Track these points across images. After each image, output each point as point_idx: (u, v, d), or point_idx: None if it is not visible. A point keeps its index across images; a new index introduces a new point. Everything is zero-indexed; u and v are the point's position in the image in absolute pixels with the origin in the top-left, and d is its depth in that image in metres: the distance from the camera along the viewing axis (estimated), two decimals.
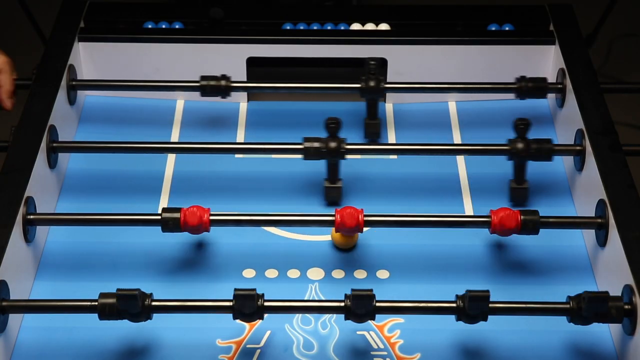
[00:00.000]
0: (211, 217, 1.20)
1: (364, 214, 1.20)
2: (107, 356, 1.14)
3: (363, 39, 1.48)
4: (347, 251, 1.26)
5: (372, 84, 1.39)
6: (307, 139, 1.30)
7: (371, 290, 1.10)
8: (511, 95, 1.44)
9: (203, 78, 1.40)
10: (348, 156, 1.31)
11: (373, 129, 1.42)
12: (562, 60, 1.44)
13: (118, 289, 1.09)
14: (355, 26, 1.52)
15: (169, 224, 1.19)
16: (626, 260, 1.14)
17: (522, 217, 1.20)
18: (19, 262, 1.19)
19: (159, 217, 1.20)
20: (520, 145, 1.30)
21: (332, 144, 1.30)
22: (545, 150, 1.30)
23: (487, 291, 1.09)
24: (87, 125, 1.46)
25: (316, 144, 1.30)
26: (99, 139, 1.40)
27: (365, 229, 1.20)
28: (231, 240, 1.27)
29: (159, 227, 1.23)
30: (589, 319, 1.11)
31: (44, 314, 1.16)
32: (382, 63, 1.44)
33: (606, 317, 1.10)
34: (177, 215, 1.19)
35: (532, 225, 1.20)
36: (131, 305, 1.09)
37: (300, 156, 1.31)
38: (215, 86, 1.40)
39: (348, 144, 1.30)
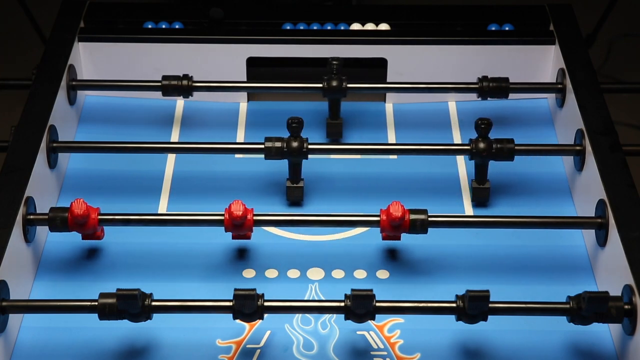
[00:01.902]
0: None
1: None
2: (107, 356, 1.14)
3: (363, 39, 1.48)
4: None
5: (334, 83, 1.38)
6: (268, 139, 1.30)
7: (371, 290, 1.10)
8: (511, 95, 1.44)
9: (165, 78, 1.40)
10: (345, 156, 1.31)
11: (335, 128, 1.42)
12: (562, 60, 1.44)
13: (118, 289, 1.09)
14: (355, 26, 1.52)
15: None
16: (626, 260, 1.14)
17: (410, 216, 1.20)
18: (19, 262, 1.19)
19: (159, 217, 1.21)
20: (482, 145, 1.30)
21: (294, 144, 1.30)
22: (507, 150, 1.29)
23: (487, 291, 1.09)
24: (87, 125, 1.46)
25: (278, 144, 1.30)
26: (99, 139, 1.40)
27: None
28: (231, 240, 1.27)
29: (159, 227, 1.23)
30: (589, 319, 1.11)
31: (44, 314, 1.16)
32: (345, 63, 1.44)
33: (606, 317, 1.10)
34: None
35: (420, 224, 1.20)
36: (131, 305, 1.09)
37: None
38: (176, 86, 1.40)
39: (342, 143, 1.30)
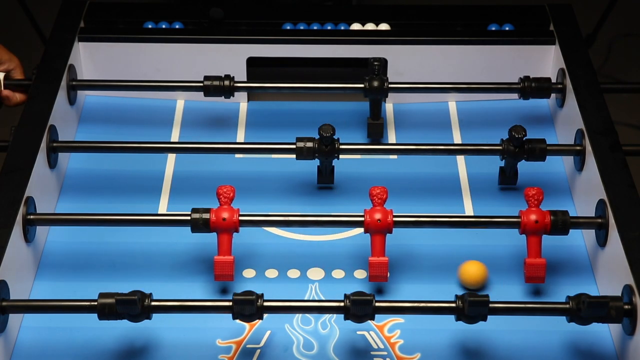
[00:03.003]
0: (241, 218, 1.20)
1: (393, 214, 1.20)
2: (106, 356, 1.14)
3: (363, 39, 1.48)
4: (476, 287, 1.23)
5: (375, 84, 1.39)
6: (299, 139, 1.30)
7: (372, 294, 1.10)
8: (511, 95, 1.44)
9: (207, 78, 1.40)
10: (344, 156, 1.31)
11: (376, 129, 1.42)
12: (562, 60, 1.44)
13: (116, 295, 1.09)
14: (355, 26, 1.52)
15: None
16: (626, 260, 1.14)
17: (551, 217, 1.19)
18: (19, 262, 1.19)
19: (160, 217, 1.21)
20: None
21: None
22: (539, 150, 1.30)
23: (487, 296, 1.09)
24: (87, 125, 1.46)
25: (309, 144, 1.30)
26: (99, 139, 1.40)
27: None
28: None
29: (159, 227, 1.23)
30: (589, 319, 1.11)
31: (44, 314, 1.16)
32: (385, 63, 1.44)
33: (606, 318, 1.10)
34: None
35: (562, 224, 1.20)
36: (130, 309, 1.09)
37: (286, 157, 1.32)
38: (218, 86, 1.40)
39: (343, 143, 1.30)
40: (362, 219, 1.20)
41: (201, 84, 1.40)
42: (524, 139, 1.29)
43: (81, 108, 1.48)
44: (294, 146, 1.31)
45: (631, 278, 1.12)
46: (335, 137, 1.30)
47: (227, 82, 1.39)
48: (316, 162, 1.33)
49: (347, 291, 1.11)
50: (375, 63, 1.39)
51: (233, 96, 1.41)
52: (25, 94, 1.41)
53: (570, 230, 1.27)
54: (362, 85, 1.39)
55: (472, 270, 1.22)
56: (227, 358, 1.14)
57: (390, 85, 1.41)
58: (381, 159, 1.40)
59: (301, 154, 1.30)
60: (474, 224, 1.23)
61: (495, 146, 1.31)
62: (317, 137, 1.30)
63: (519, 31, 1.51)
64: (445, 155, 1.37)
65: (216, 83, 1.39)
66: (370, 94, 1.40)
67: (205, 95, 1.40)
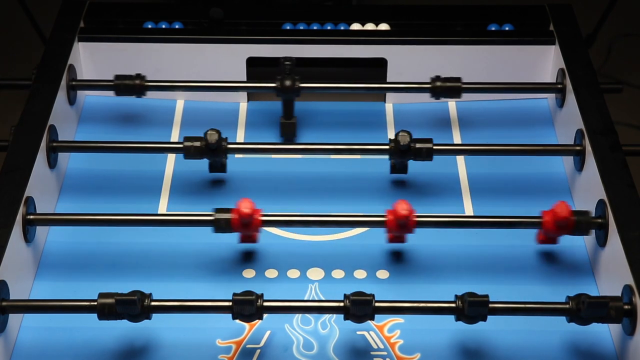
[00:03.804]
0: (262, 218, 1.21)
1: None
2: (106, 356, 1.14)
3: (363, 39, 1.48)
4: None
5: (287, 83, 1.38)
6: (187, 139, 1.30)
7: (372, 295, 1.10)
8: (511, 95, 1.44)
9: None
10: (345, 156, 1.31)
11: (289, 129, 1.42)
12: (562, 60, 1.44)
13: (116, 295, 1.09)
14: (355, 26, 1.52)
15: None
16: (626, 260, 1.14)
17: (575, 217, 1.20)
18: (19, 262, 1.19)
19: (161, 217, 1.21)
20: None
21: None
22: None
23: (487, 296, 1.09)
24: (87, 125, 1.46)
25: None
26: (99, 139, 1.40)
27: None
28: (231, 240, 1.27)
29: (159, 227, 1.23)
30: (589, 320, 1.11)
31: (44, 314, 1.16)
32: (297, 63, 1.44)
33: (606, 318, 1.10)
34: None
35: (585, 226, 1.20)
36: (130, 309, 1.09)
37: (298, 156, 1.32)
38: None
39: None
40: (382, 218, 1.21)
41: (203, 84, 1.40)
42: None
43: (81, 108, 1.48)
44: (294, 146, 1.31)
45: (631, 278, 1.12)
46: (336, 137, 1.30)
47: (138, 81, 1.40)
48: (316, 162, 1.32)
49: (347, 291, 1.11)
50: (287, 63, 1.39)
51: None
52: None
53: None
54: (274, 85, 1.38)
55: None
56: (227, 358, 1.14)
57: (391, 85, 1.40)
58: (381, 159, 1.40)
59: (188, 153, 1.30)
60: (484, 224, 1.23)
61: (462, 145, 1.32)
62: (318, 137, 1.30)
63: (519, 31, 1.51)
64: (445, 155, 1.37)
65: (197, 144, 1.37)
66: (283, 94, 1.40)
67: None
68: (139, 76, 1.40)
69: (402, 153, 1.29)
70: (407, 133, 1.28)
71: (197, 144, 1.29)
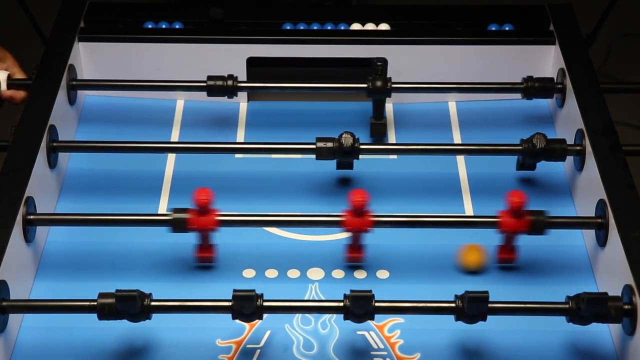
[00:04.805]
0: (218, 217, 1.20)
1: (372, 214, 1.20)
2: (106, 356, 1.14)
3: (363, 39, 1.48)
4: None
5: (379, 84, 1.39)
6: (319, 139, 1.31)
7: (370, 291, 1.10)
8: (511, 95, 1.44)
9: (210, 78, 1.40)
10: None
11: (379, 129, 1.42)
12: (562, 60, 1.44)
13: (117, 290, 1.09)
14: (355, 26, 1.52)
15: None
16: (626, 260, 1.14)
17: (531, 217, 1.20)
18: (19, 262, 1.19)
19: (158, 217, 1.21)
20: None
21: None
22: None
23: (486, 292, 1.09)
24: (87, 125, 1.46)
25: (329, 144, 1.30)
26: (99, 139, 1.40)
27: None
28: (231, 240, 1.27)
29: (159, 227, 1.23)
30: (588, 319, 1.11)
31: (44, 314, 1.16)
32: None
33: (606, 317, 1.10)
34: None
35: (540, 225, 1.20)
36: (130, 306, 1.09)
37: (298, 156, 1.32)
38: (221, 86, 1.39)
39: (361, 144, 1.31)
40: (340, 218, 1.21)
41: (204, 84, 1.40)
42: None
43: (81, 108, 1.48)
44: (294, 146, 1.31)
45: (631, 278, 1.12)
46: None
47: (230, 82, 1.39)
48: (316, 163, 1.32)
49: (347, 291, 1.11)
50: (379, 63, 1.39)
51: (236, 96, 1.41)
52: (26, 91, 1.41)
53: (570, 231, 1.28)
54: (365, 85, 1.39)
55: (472, 255, 1.23)
56: (227, 358, 1.14)
57: (394, 86, 1.41)
58: (381, 159, 1.40)
59: (321, 154, 1.30)
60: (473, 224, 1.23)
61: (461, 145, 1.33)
62: (318, 137, 1.30)
63: (519, 31, 1.51)
64: (445, 155, 1.37)
65: (219, 83, 1.39)
66: (374, 94, 1.40)
67: (209, 95, 1.40)
68: (230, 77, 1.40)
69: (534, 154, 1.31)
70: (542, 136, 1.29)
71: (330, 144, 1.30)
